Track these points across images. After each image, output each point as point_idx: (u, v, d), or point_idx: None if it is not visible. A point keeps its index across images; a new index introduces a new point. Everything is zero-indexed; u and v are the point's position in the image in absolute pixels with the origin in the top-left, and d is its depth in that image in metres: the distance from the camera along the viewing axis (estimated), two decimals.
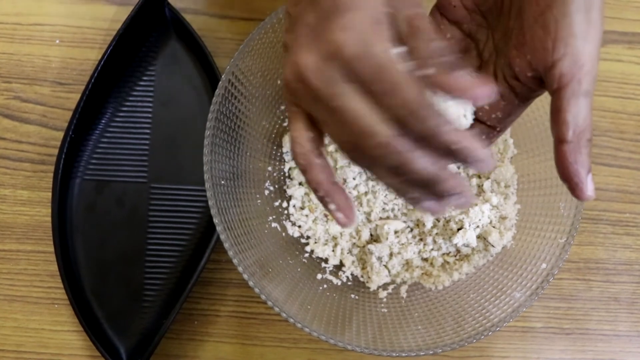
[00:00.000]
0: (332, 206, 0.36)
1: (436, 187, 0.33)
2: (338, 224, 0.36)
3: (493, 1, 0.40)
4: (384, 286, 0.55)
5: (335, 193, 0.36)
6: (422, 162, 0.32)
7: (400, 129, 0.31)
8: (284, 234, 0.56)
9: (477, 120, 0.41)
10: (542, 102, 0.53)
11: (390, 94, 0.31)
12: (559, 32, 0.34)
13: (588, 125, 0.35)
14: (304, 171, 0.36)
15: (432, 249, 0.55)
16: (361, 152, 0.33)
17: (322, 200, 0.36)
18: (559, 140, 0.35)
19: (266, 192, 0.56)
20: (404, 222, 0.55)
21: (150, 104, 0.60)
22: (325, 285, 0.55)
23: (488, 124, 0.41)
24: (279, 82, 0.56)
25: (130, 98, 0.60)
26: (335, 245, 0.56)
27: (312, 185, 0.36)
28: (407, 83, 0.30)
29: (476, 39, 0.41)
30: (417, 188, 0.33)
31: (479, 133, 0.42)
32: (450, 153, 0.32)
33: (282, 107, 0.58)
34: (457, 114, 0.37)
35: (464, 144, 0.31)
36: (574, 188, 0.36)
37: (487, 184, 0.55)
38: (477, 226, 0.53)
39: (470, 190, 0.37)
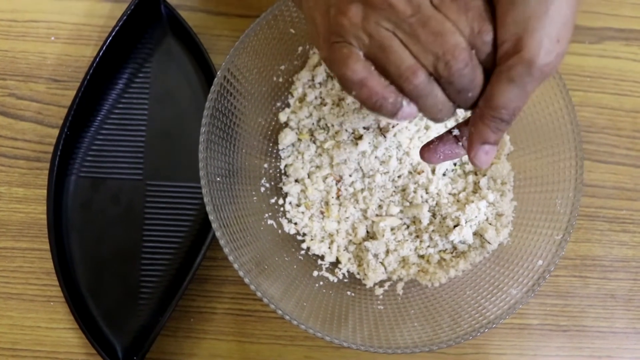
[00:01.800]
0: (405, 102, 0.37)
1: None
2: (411, 114, 0.37)
3: None
4: (380, 283, 0.55)
5: (399, 92, 0.37)
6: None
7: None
8: (280, 231, 0.56)
9: None
10: (539, 99, 0.53)
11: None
12: (509, 15, 0.34)
13: (502, 106, 0.35)
14: (360, 85, 0.36)
15: (429, 246, 0.55)
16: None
17: (393, 104, 0.37)
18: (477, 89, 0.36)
19: (262, 189, 0.56)
20: (400, 219, 0.55)
21: (146, 101, 0.60)
22: (321, 283, 0.55)
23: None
24: (274, 79, 0.56)
25: (126, 95, 0.60)
26: (332, 242, 0.56)
27: (375, 95, 0.37)
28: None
29: None
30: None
31: None
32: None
33: (278, 104, 0.57)
34: None
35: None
36: (466, 149, 0.38)
37: (483, 181, 0.55)
38: (474, 223, 0.53)
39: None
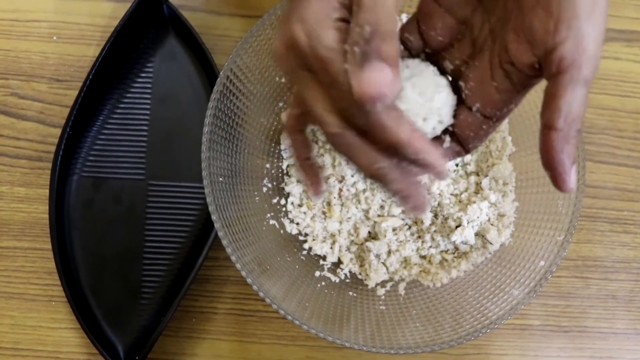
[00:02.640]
0: (302, 178, 0.39)
1: (385, 186, 0.34)
2: (310, 194, 0.41)
3: None
4: (382, 284, 0.55)
5: (306, 168, 0.41)
6: (365, 157, 0.34)
7: (346, 121, 0.33)
8: (282, 231, 0.56)
9: (472, 110, 0.40)
10: (541, 99, 0.52)
11: (333, 86, 0.32)
12: (562, 14, 0.32)
13: (580, 115, 0.33)
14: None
15: (431, 247, 0.55)
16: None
17: (299, 170, 0.41)
18: (548, 127, 0.34)
19: (264, 189, 0.56)
20: (402, 219, 0.55)
21: (148, 101, 0.60)
22: (323, 283, 0.55)
23: (484, 114, 0.39)
24: (277, 79, 0.56)
25: (128, 95, 0.60)
26: (334, 242, 0.56)
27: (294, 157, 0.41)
28: (346, 77, 0.31)
29: (471, 24, 0.39)
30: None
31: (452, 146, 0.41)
32: (395, 151, 0.32)
33: (280, 104, 0.57)
34: (416, 117, 0.36)
35: (412, 143, 0.32)
36: (556, 178, 0.34)
37: (485, 182, 0.55)
38: (476, 224, 0.53)
39: (423, 197, 0.37)
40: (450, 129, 0.39)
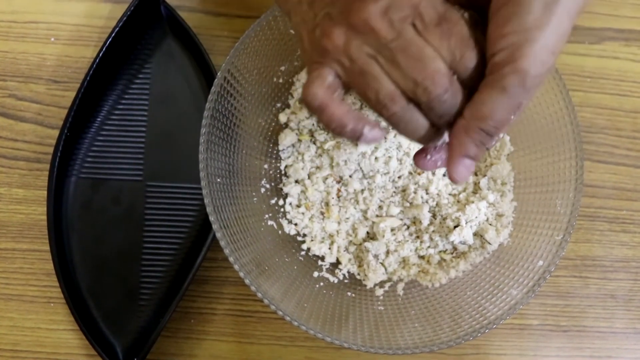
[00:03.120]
0: (366, 129, 0.37)
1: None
2: (375, 139, 0.37)
3: None
4: (381, 284, 0.55)
5: (362, 118, 0.37)
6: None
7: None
8: (280, 231, 0.56)
9: None
10: (539, 100, 0.53)
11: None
12: (509, 25, 0.33)
13: (489, 116, 0.34)
14: (319, 110, 0.37)
15: (429, 247, 0.55)
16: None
17: (352, 131, 0.37)
18: (460, 113, 0.36)
19: (262, 189, 0.56)
20: (401, 219, 0.55)
21: (146, 102, 0.60)
22: (321, 283, 0.55)
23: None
24: (274, 79, 0.56)
25: (126, 96, 0.60)
26: (332, 243, 0.56)
27: (334, 121, 0.37)
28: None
29: None
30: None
31: None
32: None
33: (278, 105, 0.57)
34: None
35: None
36: (447, 161, 0.37)
37: (483, 182, 0.55)
38: (474, 224, 0.53)
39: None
40: None
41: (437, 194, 0.55)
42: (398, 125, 0.37)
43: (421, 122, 0.36)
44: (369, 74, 0.35)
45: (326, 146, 0.55)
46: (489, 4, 0.35)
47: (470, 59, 0.35)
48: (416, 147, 0.54)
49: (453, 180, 0.37)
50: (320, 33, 0.36)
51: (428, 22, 0.34)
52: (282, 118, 0.57)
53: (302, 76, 0.57)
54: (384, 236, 0.54)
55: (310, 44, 0.38)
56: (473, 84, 0.35)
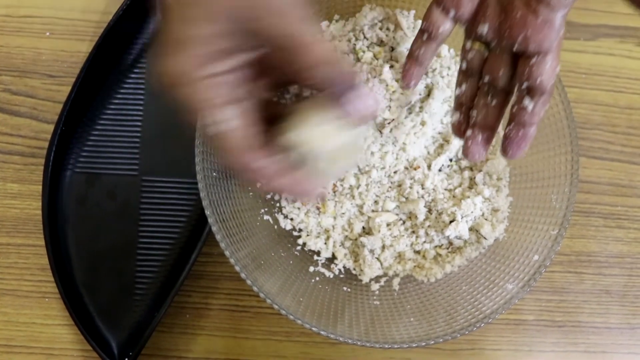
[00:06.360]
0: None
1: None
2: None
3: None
4: (377, 279, 0.55)
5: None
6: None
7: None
8: (276, 226, 0.56)
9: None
10: None
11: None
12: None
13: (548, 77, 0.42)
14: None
15: (425, 242, 0.55)
16: None
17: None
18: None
19: (258, 184, 0.56)
20: (397, 214, 0.55)
21: (142, 96, 0.60)
22: (317, 278, 0.55)
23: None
24: None
25: (122, 90, 0.60)
26: (328, 238, 0.56)
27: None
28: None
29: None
30: None
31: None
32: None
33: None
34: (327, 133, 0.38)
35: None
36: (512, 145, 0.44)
37: (479, 177, 0.55)
38: (470, 219, 0.53)
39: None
40: None
41: (433, 189, 0.55)
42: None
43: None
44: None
45: None
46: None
47: None
48: (413, 141, 0.54)
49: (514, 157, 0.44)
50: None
51: None
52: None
53: None
54: (379, 231, 0.54)
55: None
56: None
